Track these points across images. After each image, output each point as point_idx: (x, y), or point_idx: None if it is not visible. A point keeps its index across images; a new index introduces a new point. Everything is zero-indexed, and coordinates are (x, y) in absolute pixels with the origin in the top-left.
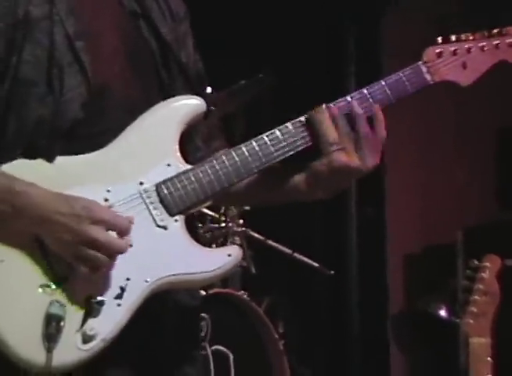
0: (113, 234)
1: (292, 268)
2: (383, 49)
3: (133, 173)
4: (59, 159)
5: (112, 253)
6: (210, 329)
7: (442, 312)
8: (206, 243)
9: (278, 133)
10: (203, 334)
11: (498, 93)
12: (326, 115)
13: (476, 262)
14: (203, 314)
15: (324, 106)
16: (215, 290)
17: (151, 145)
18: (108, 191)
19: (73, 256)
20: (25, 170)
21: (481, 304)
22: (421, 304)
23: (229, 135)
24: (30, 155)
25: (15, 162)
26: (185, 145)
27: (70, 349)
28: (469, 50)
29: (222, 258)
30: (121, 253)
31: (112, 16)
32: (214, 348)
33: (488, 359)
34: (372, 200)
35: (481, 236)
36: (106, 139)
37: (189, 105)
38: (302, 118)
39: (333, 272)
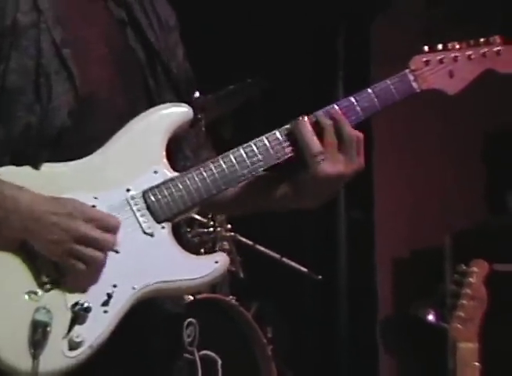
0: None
1: (280, 273)
2: (371, 55)
3: (120, 180)
4: (46, 166)
5: (104, 249)
6: (199, 334)
7: (430, 317)
8: (194, 247)
9: (265, 141)
10: (191, 339)
11: (485, 97)
12: (307, 126)
13: (464, 267)
14: (191, 319)
15: (306, 117)
16: (203, 295)
17: (138, 152)
18: (95, 198)
19: (66, 253)
20: (12, 176)
21: (469, 309)
22: (410, 308)
23: (218, 140)
24: (18, 162)
25: (2, 168)
26: (174, 153)
27: (57, 356)
28: (455, 59)
29: (209, 266)
30: (113, 250)
31: (100, 24)
32: (202, 353)
33: (476, 364)
34: (360, 205)
35: (469, 240)
36: (94, 147)
37: (176, 112)
38: (289, 126)
39: (321, 276)
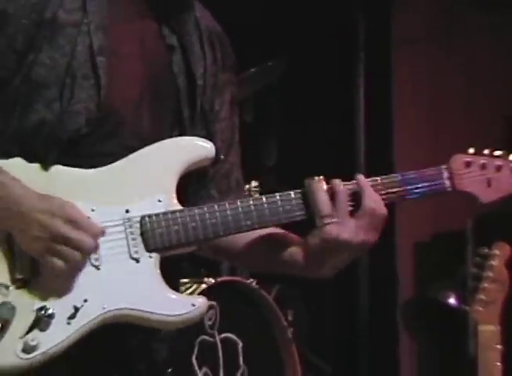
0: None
1: None
2: (392, 37)
3: (122, 199)
4: (54, 168)
5: (81, 249)
6: (219, 317)
7: (452, 300)
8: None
9: (277, 198)
10: (211, 322)
11: (506, 82)
12: (320, 186)
13: (485, 250)
14: (211, 302)
15: (321, 177)
16: (224, 278)
17: (148, 177)
18: (93, 210)
19: (43, 250)
20: (18, 169)
21: (491, 291)
22: (431, 291)
23: (238, 123)
24: (26, 156)
25: (12, 160)
26: (197, 189)
27: (9, 354)
28: (499, 168)
29: (185, 307)
30: (90, 253)
31: (145, 42)
32: (222, 336)
33: (498, 346)
34: None
35: (490, 223)
36: (106, 161)
37: (197, 147)
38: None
39: None
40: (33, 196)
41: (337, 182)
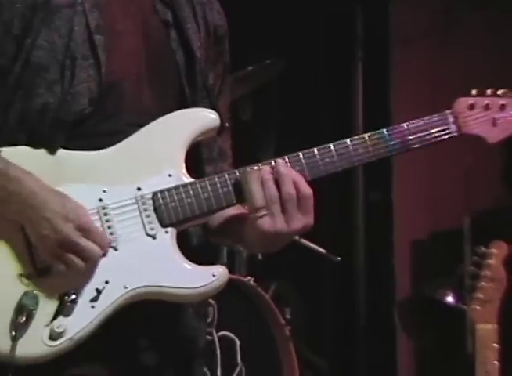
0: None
1: (299, 254)
2: (390, 35)
3: (132, 178)
4: (62, 152)
5: (88, 259)
6: (217, 315)
7: (449, 299)
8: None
9: (216, 179)
10: (209, 319)
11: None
12: (255, 177)
13: (483, 249)
14: (209, 300)
15: (255, 167)
16: None
17: (157, 152)
18: (104, 191)
19: (50, 253)
20: (26, 157)
21: (488, 290)
22: (428, 290)
23: (236, 121)
24: (33, 142)
25: (18, 148)
26: (195, 159)
27: (36, 343)
28: (503, 107)
29: (206, 278)
30: (96, 260)
31: (140, 19)
32: (220, 333)
33: (495, 345)
34: (379, 186)
35: (488, 222)
36: (113, 141)
37: (202, 117)
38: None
39: (339, 258)
40: (46, 192)
41: (267, 170)
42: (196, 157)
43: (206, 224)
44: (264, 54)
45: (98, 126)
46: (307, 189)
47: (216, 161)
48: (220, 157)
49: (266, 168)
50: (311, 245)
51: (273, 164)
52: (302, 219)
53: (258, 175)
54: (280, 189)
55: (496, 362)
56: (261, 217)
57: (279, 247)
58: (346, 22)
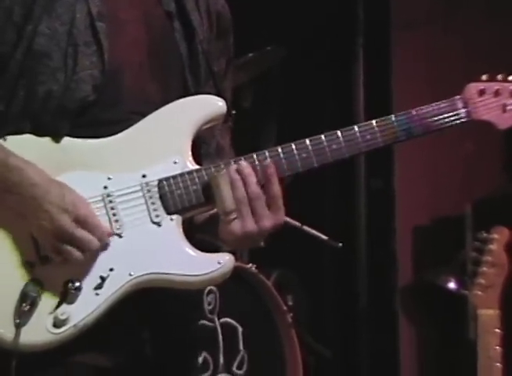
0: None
1: (301, 241)
2: (391, 21)
3: (138, 165)
4: (66, 140)
5: (85, 250)
6: (219, 302)
7: (451, 284)
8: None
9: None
10: (211, 306)
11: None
12: (225, 180)
13: (484, 234)
14: (211, 287)
15: (225, 170)
16: None
17: (162, 139)
18: (109, 179)
19: (49, 244)
20: (30, 146)
21: (490, 276)
22: (430, 276)
23: (237, 108)
24: (38, 130)
25: (23, 136)
26: (199, 147)
27: (40, 330)
28: None
29: (212, 265)
30: (94, 251)
31: (144, 8)
32: (222, 320)
33: (497, 330)
34: (381, 172)
35: (489, 208)
36: (116, 130)
37: (209, 104)
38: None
39: (341, 244)
40: (46, 183)
41: (233, 170)
42: (194, 152)
43: (192, 220)
44: (264, 41)
45: (101, 114)
46: (275, 187)
47: (213, 157)
48: (217, 152)
49: (233, 168)
50: (313, 232)
51: (236, 165)
52: (272, 217)
53: (228, 178)
54: (247, 189)
55: (498, 347)
56: (233, 220)
57: (254, 245)
58: (347, 8)
